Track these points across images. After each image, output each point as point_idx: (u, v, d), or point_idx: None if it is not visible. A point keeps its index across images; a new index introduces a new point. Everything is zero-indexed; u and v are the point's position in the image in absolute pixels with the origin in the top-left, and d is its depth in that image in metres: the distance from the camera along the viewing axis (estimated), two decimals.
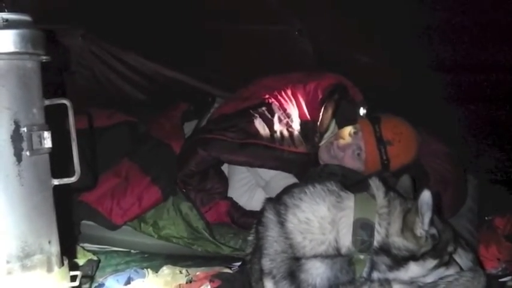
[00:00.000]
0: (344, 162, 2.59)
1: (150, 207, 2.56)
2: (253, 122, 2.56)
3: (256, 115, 2.60)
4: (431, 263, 1.65)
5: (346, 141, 2.63)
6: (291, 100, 2.70)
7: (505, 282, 2.25)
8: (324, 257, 1.63)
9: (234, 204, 2.67)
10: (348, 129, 2.66)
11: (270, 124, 2.58)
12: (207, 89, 3.42)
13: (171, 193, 2.61)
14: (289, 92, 2.73)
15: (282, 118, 2.61)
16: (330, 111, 2.67)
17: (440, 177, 2.60)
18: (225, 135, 2.52)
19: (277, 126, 2.57)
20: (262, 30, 3.18)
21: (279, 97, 2.70)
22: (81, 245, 2.45)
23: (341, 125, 2.80)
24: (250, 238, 1.89)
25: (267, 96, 2.71)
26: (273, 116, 2.61)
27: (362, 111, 2.75)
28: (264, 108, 2.64)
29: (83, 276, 1.57)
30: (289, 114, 2.64)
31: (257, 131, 2.54)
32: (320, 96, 2.66)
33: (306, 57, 3.26)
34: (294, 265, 1.65)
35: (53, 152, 1.45)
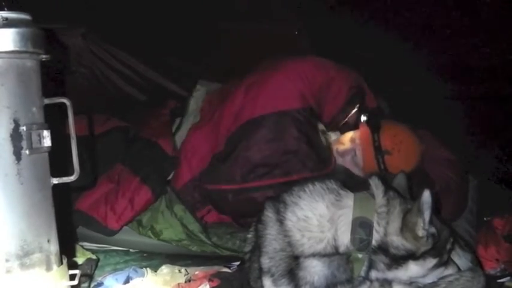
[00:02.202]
0: None
1: (143, 208, 2.55)
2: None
3: None
4: (431, 262, 1.65)
5: (346, 146, 2.62)
6: None
7: (503, 282, 2.25)
8: (322, 255, 1.64)
9: None
10: (349, 135, 2.66)
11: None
12: None
13: (162, 192, 2.59)
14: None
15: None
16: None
17: (444, 185, 2.59)
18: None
19: None
20: (261, 29, 3.19)
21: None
22: (80, 243, 2.45)
23: (343, 131, 2.79)
24: (249, 236, 1.89)
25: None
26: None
27: (363, 117, 2.70)
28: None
29: (81, 275, 1.57)
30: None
31: None
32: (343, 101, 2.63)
33: None
34: (293, 263, 1.66)
35: (53, 151, 1.45)
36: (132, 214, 2.52)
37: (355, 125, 2.71)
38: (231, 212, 2.57)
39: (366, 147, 2.56)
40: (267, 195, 2.13)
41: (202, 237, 2.51)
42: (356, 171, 2.59)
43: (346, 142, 2.64)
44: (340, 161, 2.61)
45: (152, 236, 2.55)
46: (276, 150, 2.45)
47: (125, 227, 2.56)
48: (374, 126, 2.59)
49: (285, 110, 2.47)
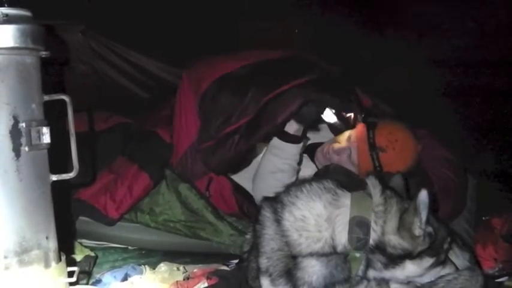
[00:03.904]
0: None
1: (141, 195, 2.57)
2: None
3: None
4: (427, 261, 1.65)
5: (342, 145, 2.62)
6: None
7: (501, 282, 2.25)
8: (319, 254, 1.64)
9: (240, 190, 2.65)
10: (346, 134, 2.66)
11: None
12: None
13: (160, 178, 2.61)
14: None
15: None
16: None
17: (443, 184, 2.59)
18: None
19: None
20: (261, 29, 3.19)
21: None
22: (79, 241, 2.46)
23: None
24: (247, 236, 1.91)
25: None
26: None
27: (359, 116, 2.70)
28: None
29: (80, 272, 1.58)
30: None
31: None
32: None
33: None
34: (291, 263, 1.66)
35: (52, 148, 1.45)
36: (130, 201, 2.55)
37: (353, 125, 2.72)
38: (219, 164, 2.53)
39: (361, 144, 2.56)
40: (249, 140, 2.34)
41: (208, 213, 2.53)
42: (353, 169, 2.59)
43: (342, 141, 2.64)
44: (336, 159, 2.61)
45: (150, 221, 2.57)
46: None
47: (124, 223, 2.58)
48: (370, 123, 2.60)
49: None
